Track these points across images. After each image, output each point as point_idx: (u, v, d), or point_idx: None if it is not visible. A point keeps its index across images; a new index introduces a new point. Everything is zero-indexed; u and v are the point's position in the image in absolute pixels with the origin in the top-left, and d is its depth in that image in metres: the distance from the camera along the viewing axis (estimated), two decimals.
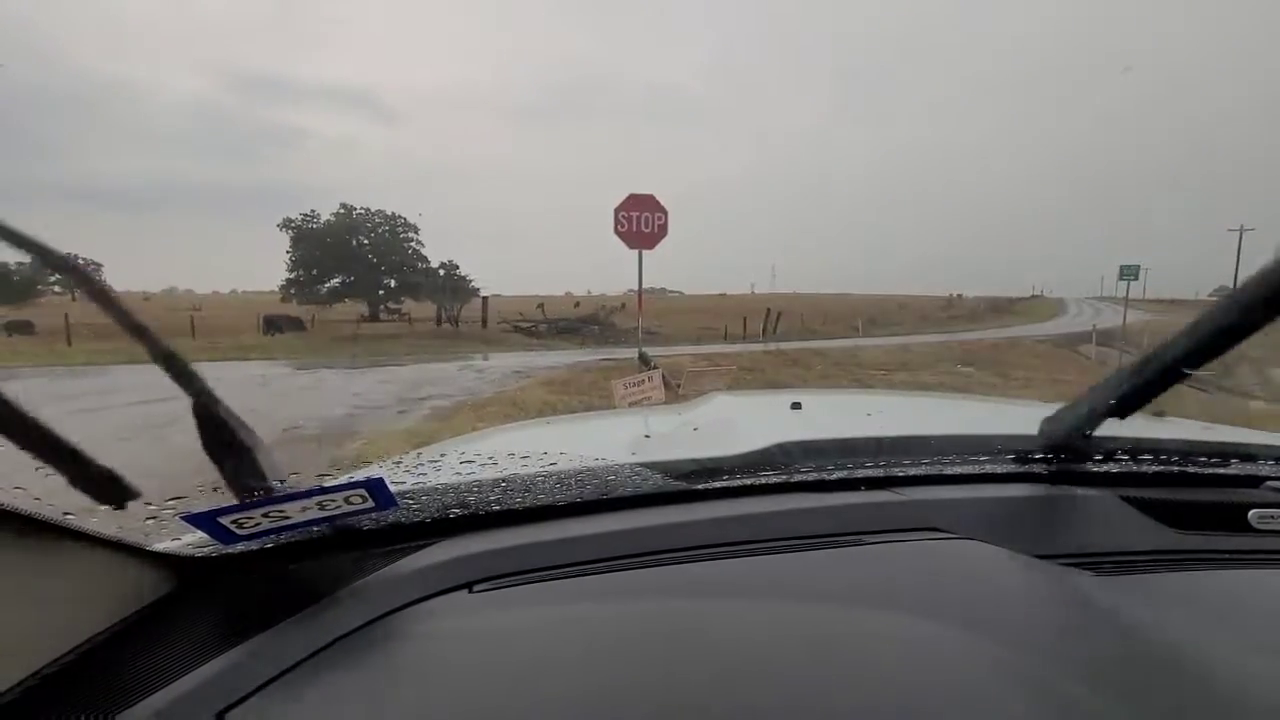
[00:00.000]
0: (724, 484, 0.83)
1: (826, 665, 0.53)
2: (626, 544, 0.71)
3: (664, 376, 5.46)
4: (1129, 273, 19.03)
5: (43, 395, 10.47)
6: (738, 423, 1.84)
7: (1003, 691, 0.49)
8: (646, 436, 1.64)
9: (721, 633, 0.57)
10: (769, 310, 29.61)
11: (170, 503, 0.67)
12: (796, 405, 1.66)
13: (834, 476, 0.86)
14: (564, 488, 0.81)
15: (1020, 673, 0.51)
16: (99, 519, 0.55)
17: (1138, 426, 1.56)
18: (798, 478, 0.85)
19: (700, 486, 0.82)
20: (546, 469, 0.87)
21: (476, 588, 0.64)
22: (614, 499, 0.81)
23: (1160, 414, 1.57)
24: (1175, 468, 0.89)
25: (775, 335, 26.87)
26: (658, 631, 0.58)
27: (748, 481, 0.84)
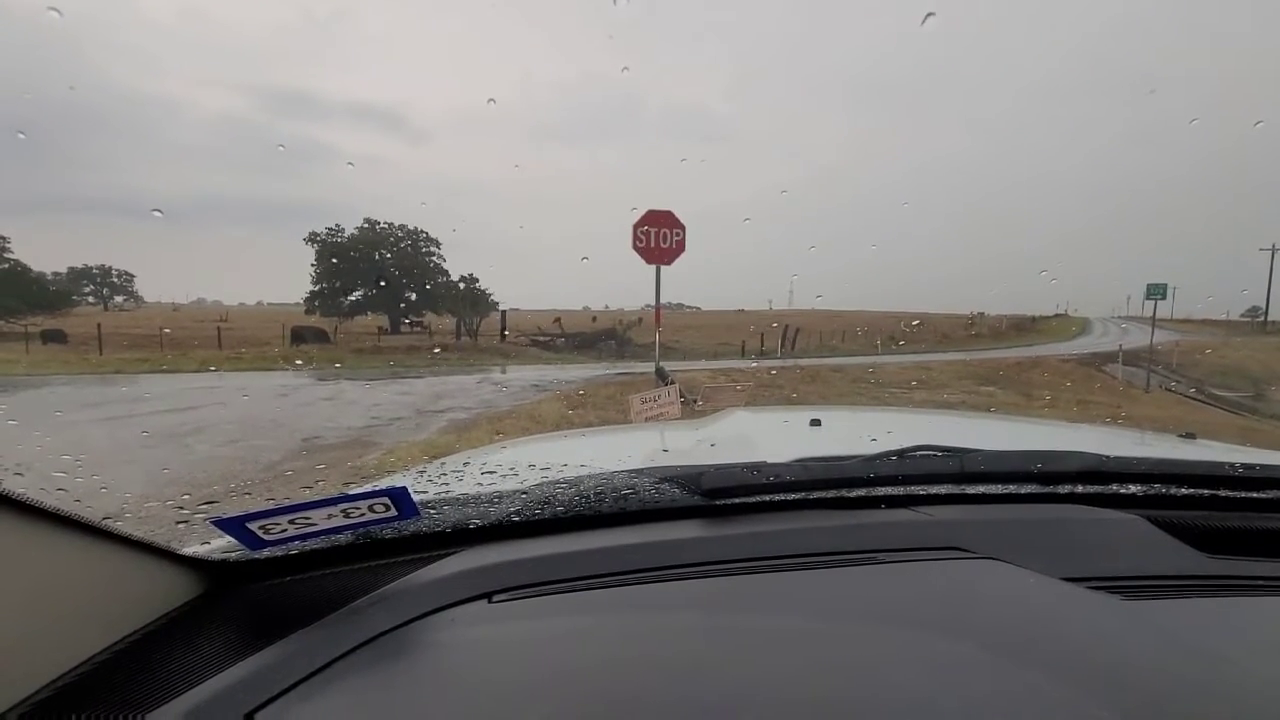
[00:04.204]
0: (743, 500, 0.83)
1: (845, 684, 0.52)
2: (645, 558, 0.71)
3: (681, 392, 5.45)
4: (1156, 291, 18.64)
5: (74, 403, 10.75)
6: (756, 439, 1.83)
7: (1027, 716, 0.48)
8: (664, 451, 1.64)
9: (738, 649, 0.57)
10: (787, 326, 29.49)
11: (201, 507, 0.68)
12: (816, 422, 1.65)
13: (854, 494, 0.85)
14: (583, 500, 0.81)
15: (1045, 697, 0.50)
16: (132, 522, 0.57)
17: (1166, 448, 1.53)
18: (817, 495, 0.85)
19: (719, 502, 0.82)
20: (566, 481, 0.88)
21: (496, 598, 0.64)
22: (633, 512, 0.81)
23: (1190, 436, 1.54)
24: (1205, 491, 0.87)
25: (793, 351, 26.73)
26: (674, 646, 0.58)
27: (767, 498, 0.83)
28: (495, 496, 0.83)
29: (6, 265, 28.35)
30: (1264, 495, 0.86)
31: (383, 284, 31.48)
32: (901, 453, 1.00)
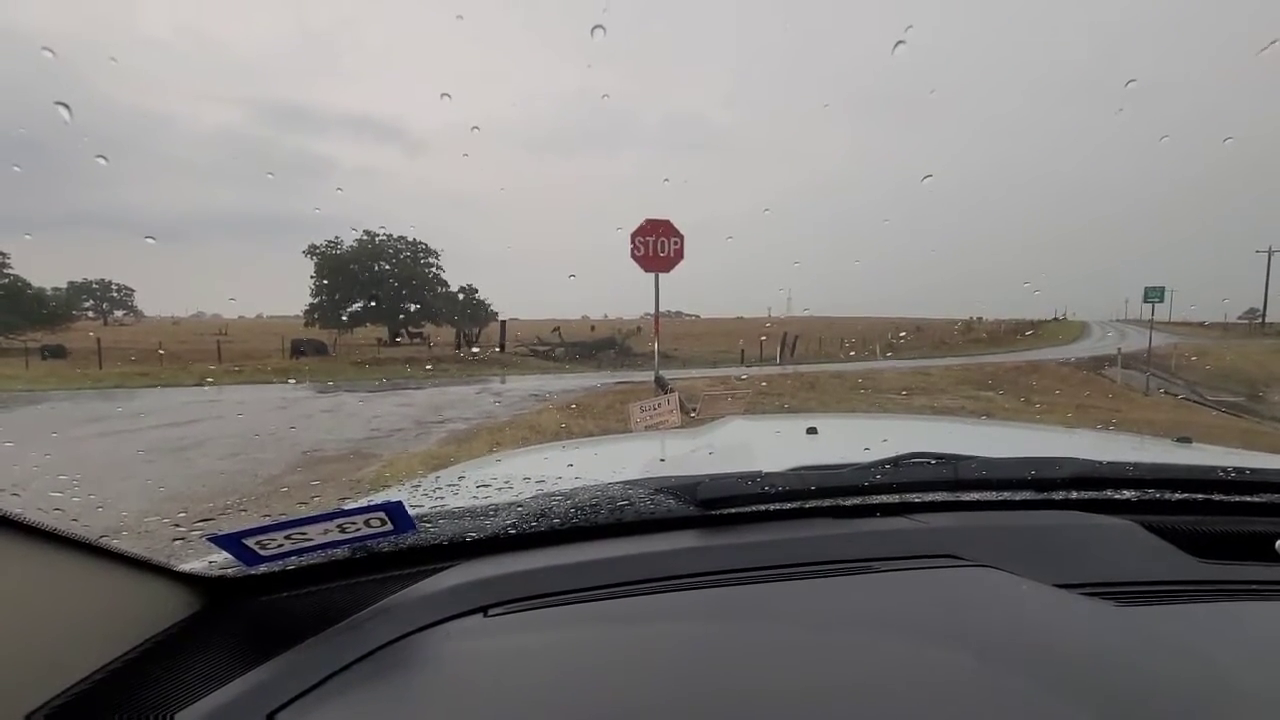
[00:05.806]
0: (739, 510, 0.83)
1: (841, 693, 0.53)
2: (640, 569, 0.71)
3: (680, 400, 5.45)
4: (1154, 295, 18.70)
5: (73, 418, 10.73)
6: (754, 447, 1.83)
7: None
8: (662, 460, 1.65)
9: (735, 659, 0.57)
10: (786, 333, 29.48)
11: (198, 525, 0.69)
12: (812, 430, 1.66)
13: (850, 503, 0.86)
14: (579, 512, 0.81)
15: (1040, 704, 0.50)
16: (130, 540, 0.57)
17: (1161, 453, 1.53)
18: (813, 504, 0.85)
19: (715, 512, 0.82)
20: (562, 493, 0.88)
21: (492, 611, 0.64)
22: (628, 524, 0.81)
23: (1186, 440, 1.54)
24: (1199, 495, 0.87)
25: (792, 358, 26.73)
26: (670, 657, 0.58)
27: (763, 507, 0.84)
28: (491, 509, 0.84)
29: (6, 281, 28.38)
30: (1257, 499, 0.87)
31: (374, 303, 31.55)
32: (896, 460, 1.01)
